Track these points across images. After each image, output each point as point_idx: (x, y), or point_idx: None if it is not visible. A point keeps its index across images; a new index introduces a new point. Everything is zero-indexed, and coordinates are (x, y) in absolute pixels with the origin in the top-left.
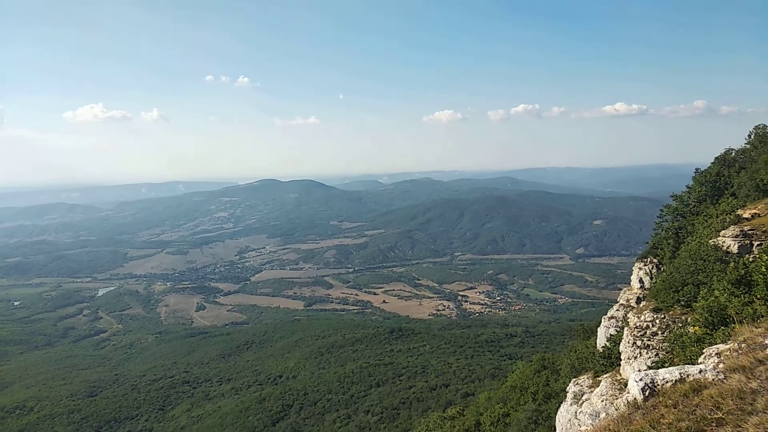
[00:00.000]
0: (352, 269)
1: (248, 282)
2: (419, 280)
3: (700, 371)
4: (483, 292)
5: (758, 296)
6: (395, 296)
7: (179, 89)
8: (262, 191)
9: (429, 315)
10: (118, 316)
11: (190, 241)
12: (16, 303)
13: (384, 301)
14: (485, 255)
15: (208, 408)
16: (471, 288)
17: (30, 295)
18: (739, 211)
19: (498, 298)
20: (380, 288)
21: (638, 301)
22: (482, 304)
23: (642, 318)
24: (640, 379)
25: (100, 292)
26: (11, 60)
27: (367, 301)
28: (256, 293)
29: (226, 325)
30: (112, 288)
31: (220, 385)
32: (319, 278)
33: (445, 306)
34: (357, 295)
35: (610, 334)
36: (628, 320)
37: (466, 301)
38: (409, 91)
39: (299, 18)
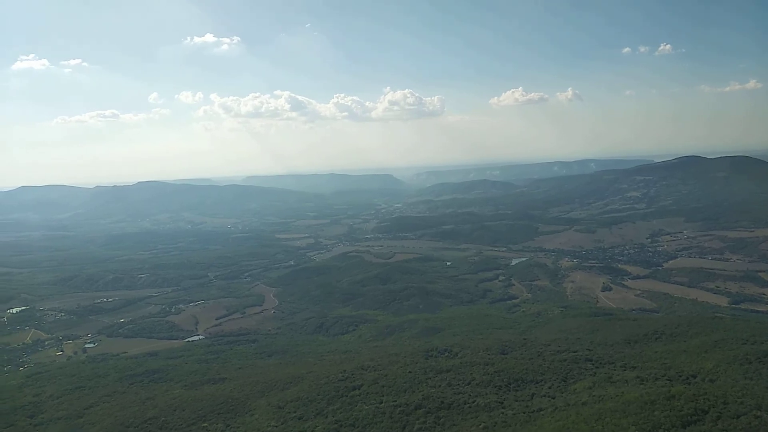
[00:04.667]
0: None
1: (660, 268)
2: None
3: None
4: None
5: None
6: None
7: (593, 66)
8: (681, 169)
9: None
10: (528, 285)
11: (599, 220)
12: (448, 263)
13: None
14: None
15: (609, 390)
16: None
17: (458, 258)
18: None
19: None
20: None
21: None
22: None
23: None
24: None
25: (513, 262)
26: (453, 60)
27: None
28: (668, 281)
29: (633, 310)
30: (524, 259)
31: (624, 371)
32: (750, 273)
33: None
34: None
35: None
36: None
37: None
38: None
39: None
